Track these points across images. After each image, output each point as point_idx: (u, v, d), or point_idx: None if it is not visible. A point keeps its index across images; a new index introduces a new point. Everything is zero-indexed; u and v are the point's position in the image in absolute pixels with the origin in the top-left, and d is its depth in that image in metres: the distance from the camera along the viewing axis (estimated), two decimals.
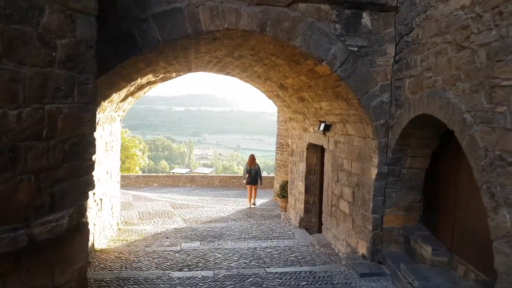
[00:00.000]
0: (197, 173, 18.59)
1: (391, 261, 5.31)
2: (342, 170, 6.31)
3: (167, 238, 7.59)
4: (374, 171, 5.31)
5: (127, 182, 20.40)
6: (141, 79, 6.82)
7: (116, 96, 6.56)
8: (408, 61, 4.79)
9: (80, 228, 3.43)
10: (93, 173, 3.87)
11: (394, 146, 5.13)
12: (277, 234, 7.82)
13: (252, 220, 9.45)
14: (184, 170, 18.57)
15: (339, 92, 5.46)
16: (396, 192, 5.42)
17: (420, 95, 4.43)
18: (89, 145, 3.44)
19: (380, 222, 5.43)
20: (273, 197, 13.66)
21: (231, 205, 12.62)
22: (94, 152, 3.51)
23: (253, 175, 12.19)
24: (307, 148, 8.17)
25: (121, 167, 26.21)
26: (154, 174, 22.90)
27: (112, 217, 7.86)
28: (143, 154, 29.15)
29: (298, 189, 8.61)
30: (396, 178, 5.35)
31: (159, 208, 11.32)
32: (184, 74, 8.53)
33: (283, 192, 10.21)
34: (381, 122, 5.18)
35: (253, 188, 12.28)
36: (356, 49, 5.03)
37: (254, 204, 12.17)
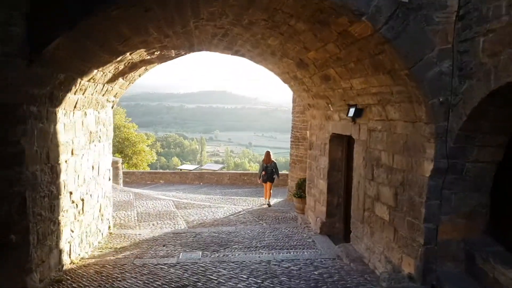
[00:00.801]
0: (205, 169, 17.43)
1: (449, 286, 4.00)
2: (379, 166, 4.98)
3: (164, 246, 6.40)
4: (428, 167, 3.98)
5: (133, 179, 19.42)
6: (131, 54, 5.61)
7: (99, 74, 5.37)
8: (483, 12, 3.44)
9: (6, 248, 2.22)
10: (36, 165, 2.68)
11: (458, 132, 3.79)
12: (295, 243, 6.54)
13: (264, 224, 8.20)
14: (192, 167, 17.42)
15: (381, 61, 4.13)
16: (457, 194, 4.08)
17: (508, 56, 3.08)
18: (14, 121, 2.23)
19: (435, 233, 4.11)
20: (287, 196, 12.38)
21: (241, 205, 11.39)
22: (26, 134, 2.32)
23: (269, 173, 11.29)
24: (330, 140, 6.85)
25: (128, 163, 25.27)
26: (160, 170, 21.86)
27: (100, 220, 6.71)
28: (151, 150, 28.18)
29: (318, 188, 7.31)
30: (458, 175, 4.02)
31: (161, 208, 10.17)
32: (186, 53, 7.30)
33: (300, 191, 8.93)
34: (440, 100, 3.84)
35: (268, 186, 11.43)
36: None
37: (269, 204, 11.31)
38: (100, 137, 6.57)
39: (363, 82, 4.86)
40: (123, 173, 19.58)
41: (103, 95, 6.26)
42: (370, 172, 5.24)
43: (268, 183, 11.30)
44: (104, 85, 5.94)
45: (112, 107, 7.47)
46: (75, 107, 5.15)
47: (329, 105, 6.47)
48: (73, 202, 5.20)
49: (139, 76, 7.42)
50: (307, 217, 7.93)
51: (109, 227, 7.32)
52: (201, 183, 17.57)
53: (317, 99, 6.90)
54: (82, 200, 5.62)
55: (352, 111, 5.58)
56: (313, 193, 7.62)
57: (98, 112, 6.46)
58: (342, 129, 6.33)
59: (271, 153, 11.99)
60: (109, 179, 7.34)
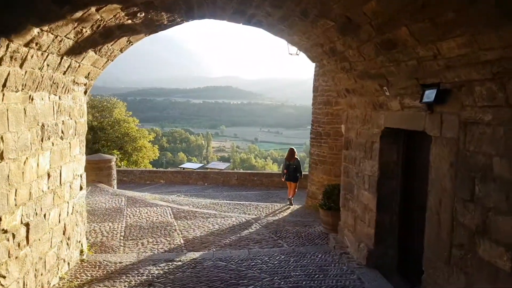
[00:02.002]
0: (210, 169, 15.62)
1: None
2: (489, 179, 3.08)
3: (150, 285, 4.57)
4: None
5: (131, 178, 17.72)
6: (98, 10, 3.74)
7: (47, 38, 3.51)
8: None
9: None
10: None
11: None
12: (334, 282, 4.67)
13: (285, 246, 6.34)
14: (195, 165, 15.66)
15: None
16: None
17: None
18: None
19: None
20: (306, 201, 10.51)
21: (252, 213, 9.56)
22: None
23: (292, 171, 10.37)
24: (381, 137, 4.95)
25: (128, 160, 23.58)
26: (161, 169, 20.11)
27: (66, 246, 4.90)
28: (154, 146, 26.46)
29: (361, 201, 5.42)
30: None
31: (155, 219, 8.37)
32: (183, 20, 5.41)
33: (329, 202, 7.04)
34: None
35: (292, 185, 10.59)
36: None
37: (291, 203, 10.46)
38: (62, 132, 4.74)
39: (466, 43, 2.93)
40: (121, 172, 17.88)
41: (64, 73, 4.41)
42: (466, 188, 3.33)
43: (292, 183, 10.50)
44: (62, 58, 4.09)
45: (85, 93, 5.63)
46: (4, 86, 3.31)
47: (384, 87, 4.55)
48: (4, 231, 3.38)
49: (121, 51, 5.55)
50: (342, 239, 6.05)
51: (81, 252, 5.51)
52: (206, 184, 15.78)
53: (363, 81, 4.98)
54: (27, 225, 3.80)
55: (430, 94, 3.67)
56: (353, 207, 5.73)
57: (59, 98, 4.62)
58: (404, 121, 4.42)
59: (295, 150, 10.33)
60: (81, 188, 5.52)
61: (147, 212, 9.03)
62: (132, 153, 23.59)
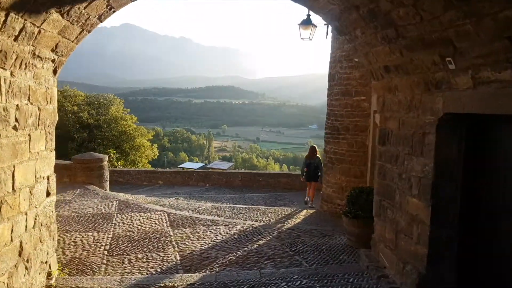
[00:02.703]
0: (212, 169, 14.46)
1: None
2: None
3: None
4: None
5: (127, 179, 16.57)
6: None
7: None
8: None
9: None
10: None
11: None
12: None
13: (304, 263, 5.16)
14: (196, 165, 14.52)
15: None
16: None
17: None
18: None
19: None
20: (320, 206, 9.34)
21: (259, 219, 8.40)
22: None
23: (313, 170, 9.71)
24: (438, 126, 3.75)
25: (125, 160, 22.46)
26: (159, 169, 18.98)
27: (24, 271, 3.73)
28: (153, 145, 25.32)
29: (407, 211, 4.22)
30: None
31: (148, 227, 7.21)
32: None
33: (354, 209, 5.83)
34: None
35: (312, 185, 9.99)
36: None
37: (311, 206, 9.76)
38: (17, 120, 3.56)
39: None
40: (116, 172, 16.77)
41: (15, 39, 3.23)
42: None
43: (312, 183, 9.83)
44: (8, 14, 2.91)
45: (54, 73, 4.46)
46: None
47: (448, 59, 3.36)
48: None
49: (100, 19, 4.38)
50: (377, 256, 4.85)
51: (49, 275, 4.33)
52: (207, 185, 14.61)
53: (413, 53, 3.78)
54: None
55: None
56: (393, 217, 4.54)
57: (11, 74, 3.44)
58: (478, 103, 3.23)
59: (317, 148, 9.33)
60: (48, 194, 4.34)
61: (139, 219, 7.86)
62: (130, 152, 22.46)
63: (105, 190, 11.78)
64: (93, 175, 11.49)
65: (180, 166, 15.94)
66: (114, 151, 21.01)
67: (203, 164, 15.77)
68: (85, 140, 21.82)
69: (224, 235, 6.70)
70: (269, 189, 13.22)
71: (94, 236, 6.63)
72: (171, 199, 11.43)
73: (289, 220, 8.17)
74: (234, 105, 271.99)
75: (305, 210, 9.27)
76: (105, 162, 11.90)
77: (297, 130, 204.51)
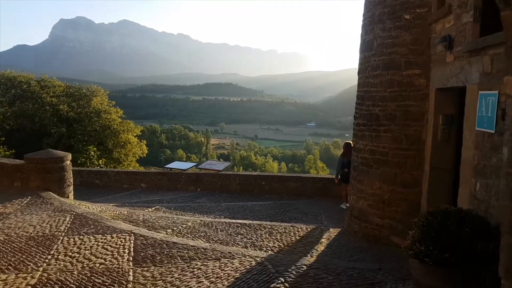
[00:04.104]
0: (205, 169, 11.96)
1: None
2: None
3: None
4: None
5: (105, 181, 14.02)
6: None
7: None
8: None
9: None
10: None
11: None
12: None
13: None
14: (186, 165, 11.97)
15: None
16: None
17: None
18: None
19: None
20: (348, 223, 6.85)
21: (265, 243, 5.93)
22: None
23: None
24: None
25: (111, 157, 19.90)
26: (142, 170, 16.48)
27: None
28: (141, 141, 22.78)
29: None
30: None
31: (99, 263, 4.72)
32: None
33: (437, 245, 3.34)
34: None
35: (347, 189, 8.02)
36: None
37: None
38: None
39: None
40: (93, 173, 14.27)
41: None
42: None
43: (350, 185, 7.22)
44: None
45: None
46: None
47: None
48: None
49: None
50: None
51: None
52: (199, 190, 12.11)
53: None
54: None
55: None
56: None
57: None
58: None
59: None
60: None
61: (92, 247, 5.38)
62: (113, 149, 19.93)
63: (67, 197, 9.27)
64: (51, 179, 8.97)
65: (167, 166, 13.37)
66: (95, 148, 18.47)
67: (194, 164, 13.34)
68: (63, 135, 19.28)
69: (212, 282, 4.23)
70: (274, 195, 10.72)
71: (7, 282, 4.17)
72: (150, 209, 8.94)
73: (307, 248, 5.69)
74: (232, 102, 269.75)
75: (326, 229, 6.80)
76: (68, 162, 9.36)
77: (296, 127, 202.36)
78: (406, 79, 5.55)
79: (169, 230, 6.62)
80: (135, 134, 22.09)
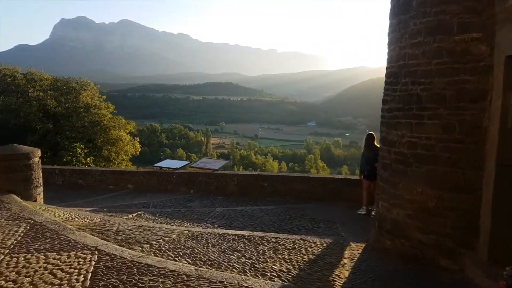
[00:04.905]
0: (198, 168, 10.54)
1: None
2: None
3: None
4: None
5: (89, 182, 12.63)
6: None
7: None
8: None
9: None
10: None
11: None
12: None
13: None
14: (178, 163, 10.51)
15: None
16: None
17: None
18: None
19: None
20: (375, 238, 5.39)
21: (270, 265, 4.49)
22: None
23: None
24: None
25: (100, 155, 18.46)
26: (129, 169, 15.04)
27: None
28: (134, 139, 21.34)
29: None
30: None
31: None
32: None
33: None
34: None
35: (373, 186, 7.06)
36: None
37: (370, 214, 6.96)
38: None
39: None
40: (76, 172, 12.88)
41: None
42: None
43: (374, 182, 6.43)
44: None
45: None
46: None
47: None
48: None
49: None
50: None
51: None
52: (192, 191, 10.68)
53: None
54: None
55: None
56: None
57: None
58: None
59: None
60: None
61: (37, 271, 3.97)
62: (103, 146, 18.49)
63: (34, 200, 7.85)
64: (15, 178, 7.55)
65: (156, 164, 11.92)
66: (82, 145, 17.05)
67: (186, 162, 11.93)
68: (49, 131, 17.86)
69: None
70: (278, 198, 9.29)
71: None
72: (130, 216, 7.51)
73: (328, 274, 4.25)
74: (232, 101, 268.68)
75: (346, 243, 5.36)
76: (36, 159, 7.94)
77: (296, 127, 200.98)
78: (460, 46, 4.11)
79: (146, 246, 5.19)
80: (127, 131, 20.67)
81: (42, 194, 8.26)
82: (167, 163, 11.53)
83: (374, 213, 5.80)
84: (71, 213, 7.02)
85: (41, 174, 8.19)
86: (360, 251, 5.06)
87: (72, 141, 17.63)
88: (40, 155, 8.13)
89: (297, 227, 6.75)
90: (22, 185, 7.67)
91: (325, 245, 5.31)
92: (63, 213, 6.96)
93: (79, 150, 16.75)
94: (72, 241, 5.06)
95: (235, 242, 5.45)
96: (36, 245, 4.87)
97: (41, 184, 8.22)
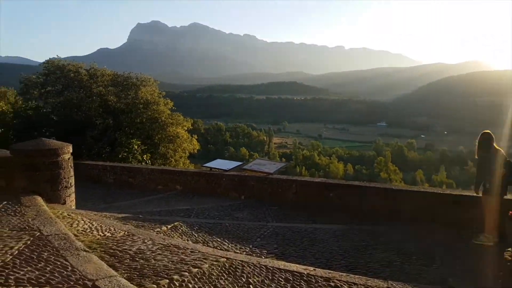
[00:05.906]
0: (251, 171, 8.92)
1: None
2: None
3: None
4: None
5: (139, 181, 11.80)
6: None
7: None
8: None
9: None
10: None
11: None
12: None
13: None
14: (230, 164, 8.90)
15: None
16: None
17: None
18: None
19: None
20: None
21: None
22: None
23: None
24: None
25: (157, 152, 17.94)
26: (179, 168, 13.98)
27: None
28: (192, 136, 20.63)
29: None
30: None
31: None
32: None
33: None
34: None
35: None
36: None
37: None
38: None
39: None
40: (126, 170, 12.16)
41: None
42: None
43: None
44: None
45: None
46: None
47: None
48: None
49: None
50: None
51: None
52: (243, 197, 9.14)
53: None
54: None
55: None
56: None
57: None
58: None
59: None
60: None
61: None
62: (160, 144, 17.92)
63: (63, 203, 6.88)
64: (39, 178, 6.62)
65: (206, 165, 10.57)
66: (139, 142, 16.57)
67: (238, 163, 10.47)
68: (109, 127, 17.73)
69: None
70: (348, 213, 7.33)
71: None
72: (164, 228, 6.14)
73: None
74: (295, 101, 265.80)
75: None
76: (66, 156, 6.97)
77: (365, 127, 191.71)
78: None
79: (164, 282, 3.68)
80: (185, 128, 19.98)
81: (73, 195, 7.29)
82: (217, 164, 10.15)
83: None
84: (93, 223, 5.85)
85: (72, 173, 7.23)
86: None
87: (130, 137, 17.27)
88: (71, 151, 7.17)
89: (378, 262, 4.77)
90: (49, 186, 6.73)
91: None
92: (83, 222, 5.82)
93: (136, 147, 16.27)
94: (69, 268, 3.74)
95: (287, 286, 3.70)
96: (22, 272, 3.62)
97: (72, 184, 7.25)
